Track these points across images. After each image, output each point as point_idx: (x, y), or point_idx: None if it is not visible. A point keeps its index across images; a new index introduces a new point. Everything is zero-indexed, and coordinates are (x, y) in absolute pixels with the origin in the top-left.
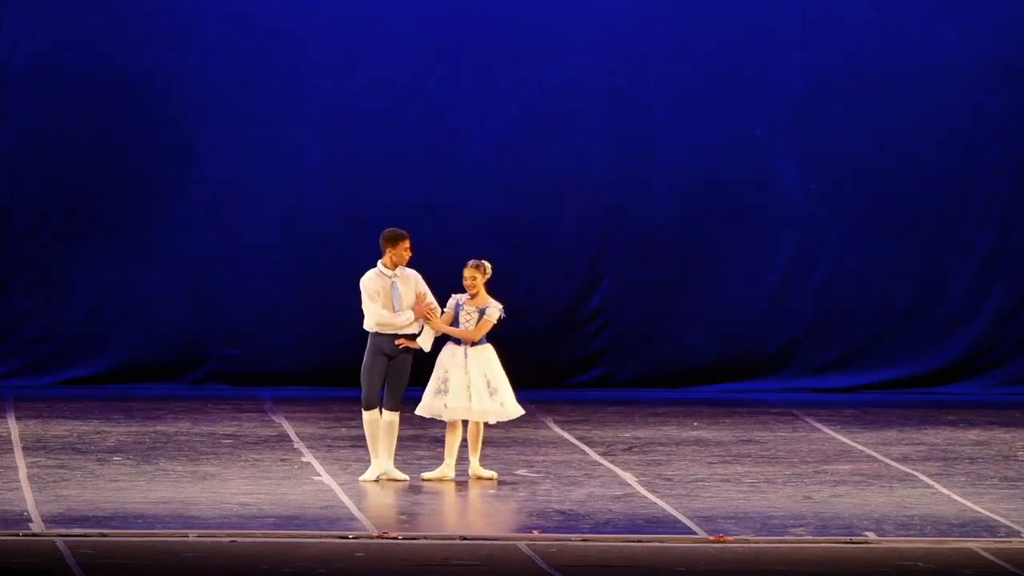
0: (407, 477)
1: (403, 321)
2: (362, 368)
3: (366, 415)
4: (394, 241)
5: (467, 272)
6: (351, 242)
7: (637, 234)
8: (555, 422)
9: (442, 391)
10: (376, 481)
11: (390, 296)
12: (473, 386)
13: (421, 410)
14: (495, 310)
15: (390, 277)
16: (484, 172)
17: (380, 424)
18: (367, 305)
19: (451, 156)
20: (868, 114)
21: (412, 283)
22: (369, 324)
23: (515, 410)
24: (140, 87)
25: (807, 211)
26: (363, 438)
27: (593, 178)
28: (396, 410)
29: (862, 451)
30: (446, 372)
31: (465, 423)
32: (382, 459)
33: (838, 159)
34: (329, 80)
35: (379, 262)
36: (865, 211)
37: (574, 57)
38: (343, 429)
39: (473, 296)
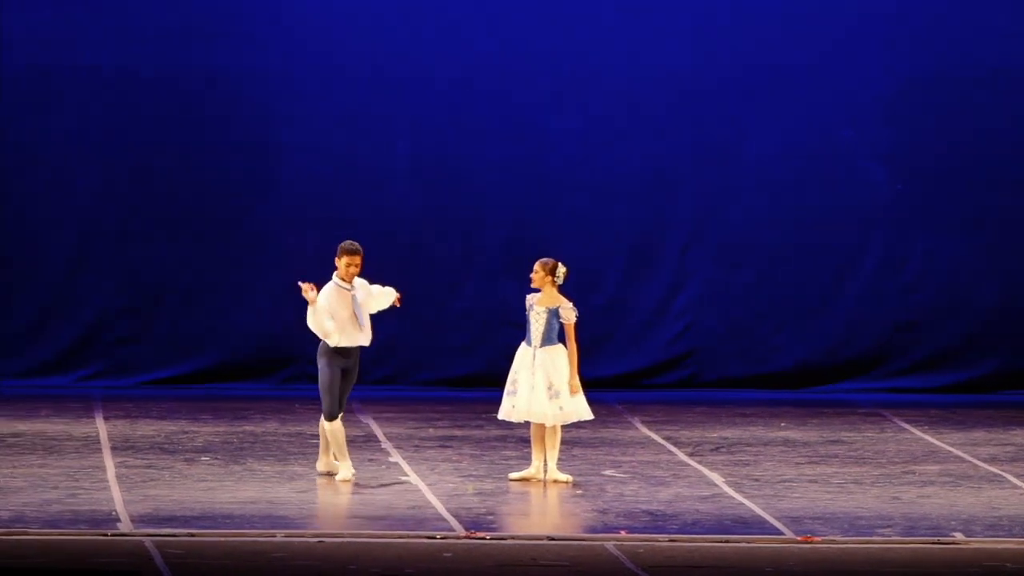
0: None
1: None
2: (322, 382)
3: (333, 425)
4: (338, 255)
5: (534, 267)
6: (437, 243)
7: (723, 234)
8: (642, 422)
9: (511, 392)
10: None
11: (351, 308)
12: (536, 387)
13: (500, 413)
14: (570, 312)
15: (349, 290)
16: (569, 172)
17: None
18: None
19: (535, 157)
20: (956, 114)
21: (365, 290)
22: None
23: (577, 414)
24: (227, 88)
25: (895, 211)
26: (452, 438)
27: (680, 178)
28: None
29: (950, 452)
30: (516, 373)
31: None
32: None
33: (926, 159)
34: (413, 82)
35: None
36: (953, 211)
37: (658, 57)
38: (431, 429)
39: (540, 294)
